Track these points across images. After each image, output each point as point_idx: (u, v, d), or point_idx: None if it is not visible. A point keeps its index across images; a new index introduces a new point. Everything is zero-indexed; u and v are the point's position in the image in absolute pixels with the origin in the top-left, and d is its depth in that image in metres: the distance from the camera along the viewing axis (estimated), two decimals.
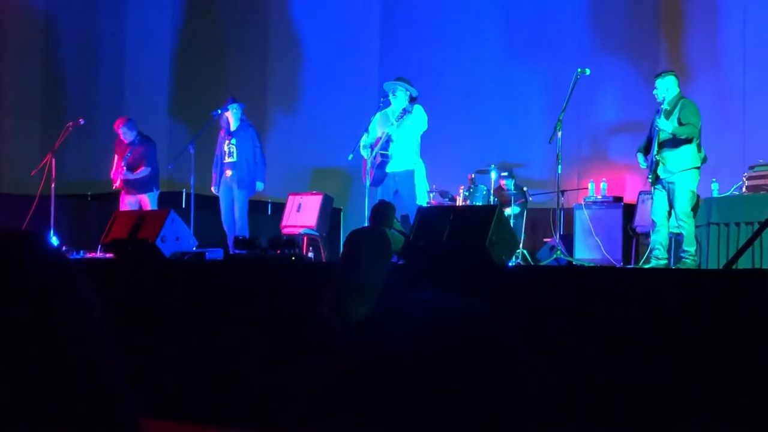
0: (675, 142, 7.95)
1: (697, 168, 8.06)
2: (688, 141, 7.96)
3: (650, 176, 8.10)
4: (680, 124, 7.90)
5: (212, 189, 10.36)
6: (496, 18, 13.04)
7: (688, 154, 7.98)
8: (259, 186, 10.26)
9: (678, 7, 11.84)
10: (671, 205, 8.07)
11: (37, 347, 1.07)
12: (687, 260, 7.96)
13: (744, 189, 8.84)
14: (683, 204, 7.97)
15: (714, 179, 9.73)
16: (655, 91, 8.23)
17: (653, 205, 8.23)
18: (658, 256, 8.05)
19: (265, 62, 14.54)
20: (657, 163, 7.97)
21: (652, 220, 8.26)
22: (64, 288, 1.13)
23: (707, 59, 11.48)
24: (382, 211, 6.97)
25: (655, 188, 8.14)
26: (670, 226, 8.23)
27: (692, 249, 8.00)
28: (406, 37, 13.51)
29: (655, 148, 7.98)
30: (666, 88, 8.13)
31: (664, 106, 8.08)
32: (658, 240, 8.09)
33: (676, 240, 8.65)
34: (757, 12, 11.17)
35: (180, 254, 8.31)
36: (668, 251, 8.31)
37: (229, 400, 7.24)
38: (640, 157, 8.27)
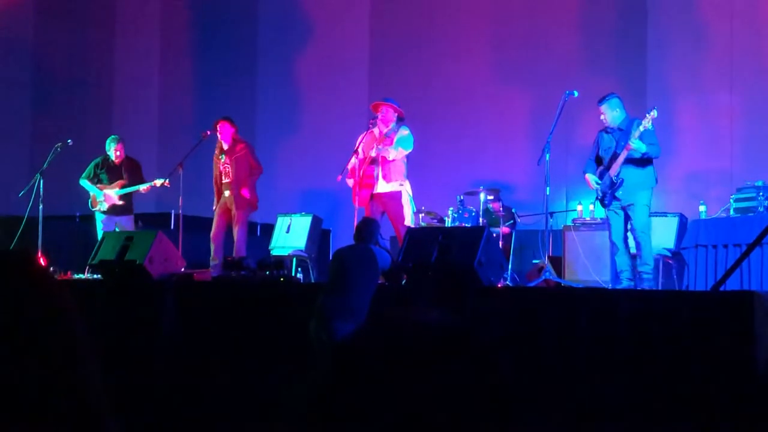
0: (640, 162, 7.94)
1: (652, 188, 8.08)
2: (651, 161, 7.99)
3: (606, 198, 8.07)
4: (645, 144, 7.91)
5: (214, 209, 10.27)
6: (484, 40, 13.11)
7: (649, 174, 8.02)
8: (244, 192, 10.08)
9: (665, 29, 11.92)
10: (627, 225, 8.05)
11: (23, 366, 1.07)
12: (647, 276, 7.94)
13: (731, 211, 8.87)
14: (642, 218, 7.97)
15: (702, 201, 9.76)
16: (601, 117, 8.24)
17: (612, 229, 8.16)
18: (630, 278, 8.04)
19: (255, 83, 14.57)
20: (618, 184, 7.96)
21: (613, 243, 8.22)
22: (52, 308, 1.13)
23: (694, 80, 11.55)
24: (366, 228, 6.94)
25: (608, 211, 8.14)
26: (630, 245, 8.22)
27: (651, 265, 8.01)
28: (395, 59, 13.56)
29: (619, 168, 7.97)
30: (612, 111, 8.16)
31: (616, 127, 8.11)
32: (626, 261, 8.10)
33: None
34: (743, 34, 11.25)
35: (168, 275, 8.28)
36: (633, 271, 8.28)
37: (218, 419, 7.21)
38: (592, 177, 8.23)
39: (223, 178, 10.08)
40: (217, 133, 10.14)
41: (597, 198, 8.23)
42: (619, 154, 7.98)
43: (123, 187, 10.62)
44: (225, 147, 10.13)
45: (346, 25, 14.10)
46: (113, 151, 10.74)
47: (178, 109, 15.03)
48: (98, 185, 10.66)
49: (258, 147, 11.45)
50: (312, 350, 6.34)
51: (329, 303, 6.39)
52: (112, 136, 10.89)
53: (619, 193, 7.97)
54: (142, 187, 10.61)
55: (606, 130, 8.26)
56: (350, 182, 9.06)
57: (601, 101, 8.25)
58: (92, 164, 10.82)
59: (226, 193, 10.05)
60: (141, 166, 10.94)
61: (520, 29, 12.86)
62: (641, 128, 7.80)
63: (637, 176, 7.96)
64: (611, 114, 8.15)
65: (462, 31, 13.20)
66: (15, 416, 1.04)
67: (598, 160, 8.30)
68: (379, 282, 6.92)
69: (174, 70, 15.29)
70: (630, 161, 7.96)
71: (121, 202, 10.60)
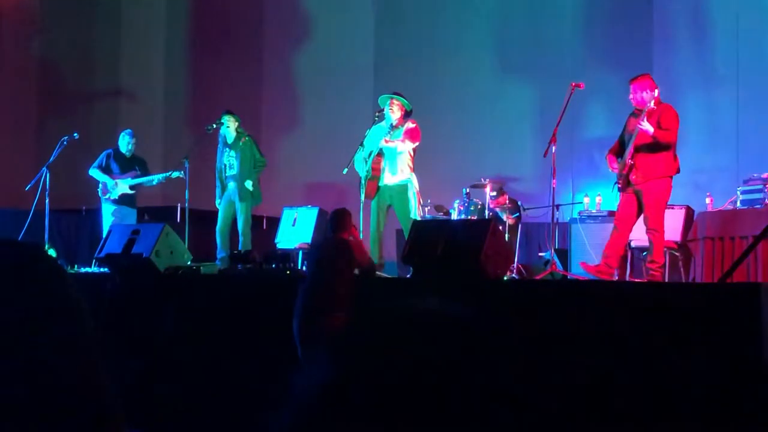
0: (653, 147, 7.69)
1: (671, 177, 7.83)
2: (667, 147, 7.76)
3: (621, 182, 7.88)
4: (660, 128, 7.74)
5: (216, 203, 10.32)
6: (489, 32, 13.10)
7: (666, 162, 7.74)
8: (247, 183, 10.11)
9: (670, 22, 11.89)
10: (638, 213, 7.84)
11: (30, 356, 1.07)
12: (656, 273, 7.76)
13: (738, 203, 8.85)
14: (654, 213, 7.73)
15: (708, 193, 9.73)
16: (630, 96, 8.07)
17: (619, 209, 7.98)
18: (609, 264, 7.86)
19: (260, 77, 14.57)
20: (630, 168, 7.78)
21: (615, 225, 8.02)
22: (60, 301, 1.13)
23: (700, 73, 11.52)
24: (338, 219, 7.02)
25: (622, 195, 7.93)
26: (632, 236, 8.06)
27: (660, 263, 7.81)
28: (400, 51, 13.55)
29: (633, 152, 7.78)
30: (642, 91, 7.95)
31: (641, 109, 7.90)
32: (620, 244, 7.92)
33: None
34: (749, 26, 11.22)
35: (174, 268, 8.29)
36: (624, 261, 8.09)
37: (222, 413, 7.23)
38: (612, 160, 8.00)
39: (227, 171, 10.12)
40: (224, 126, 10.17)
41: (615, 182, 8.02)
42: (634, 137, 7.81)
43: (135, 178, 10.74)
44: (229, 140, 10.17)
45: (350, 18, 14.09)
46: (127, 144, 10.86)
47: (184, 103, 15.05)
48: (108, 175, 10.74)
49: (263, 141, 11.48)
50: (300, 349, 6.36)
51: (313, 297, 6.40)
52: (128, 130, 11.06)
53: (632, 177, 7.77)
54: (157, 179, 10.75)
55: (634, 112, 8.04)
56: (360, 167, 9.10)
57: (631, 80, 8.05)
58: (103, 155, 10.90)
59: (231, 185, 10.09)
60: (146, 162, 11.07)
61: (525, 22, 12.84)
62: (645, 109, 7.71)
63: (650, 161, 7.72)
64: (639, 94, 7.97)
65: (467, 23, 13.18)
66: (21, 413, 1.04)
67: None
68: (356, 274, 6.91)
69: (179, 65, 15.29)
70: (643, 145, 7.73)
71: (131, 192, 10.72)
